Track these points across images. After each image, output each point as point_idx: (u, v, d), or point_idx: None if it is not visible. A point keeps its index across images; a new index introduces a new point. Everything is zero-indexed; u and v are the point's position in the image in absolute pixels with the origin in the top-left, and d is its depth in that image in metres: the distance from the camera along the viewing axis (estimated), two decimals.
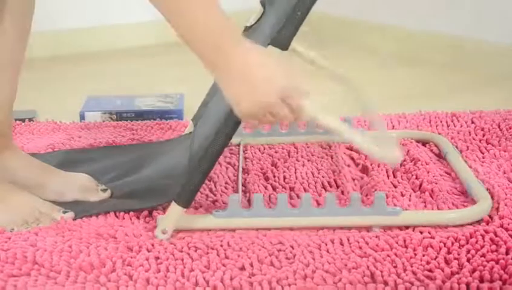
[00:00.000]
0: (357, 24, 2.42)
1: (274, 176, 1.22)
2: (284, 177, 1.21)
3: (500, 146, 1.34)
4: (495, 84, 1.89)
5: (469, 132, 1.40)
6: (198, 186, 1.00)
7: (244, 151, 1.34)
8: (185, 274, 0.91)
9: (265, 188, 1.18)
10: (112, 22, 2.45)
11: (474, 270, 0.91)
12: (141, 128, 1.52)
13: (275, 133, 1.38)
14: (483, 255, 0.94)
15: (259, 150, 1.34)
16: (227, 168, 1.26)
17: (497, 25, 2.01)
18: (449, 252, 0.96)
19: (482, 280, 0.89)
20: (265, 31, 1.01)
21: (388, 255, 0.95)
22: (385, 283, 0.89)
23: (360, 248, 0.97)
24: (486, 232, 1.00)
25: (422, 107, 1.57)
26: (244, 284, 0.89)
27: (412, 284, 0.89)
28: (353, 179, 1.21)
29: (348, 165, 1.27)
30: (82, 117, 1.61)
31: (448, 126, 1.45)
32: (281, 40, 0.94)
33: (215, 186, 1.18)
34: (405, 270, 0.92)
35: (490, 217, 1.04)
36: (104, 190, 1.14)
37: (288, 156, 1.31)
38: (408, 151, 1.30)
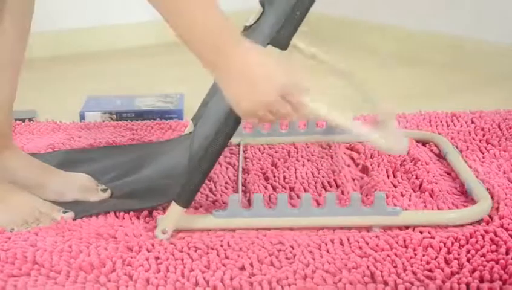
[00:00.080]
0: (357, 24, 2.42)
1: (274, 176, 1.22)
2: (284, 177, 1.21)
3: (500, 146, 1.34)
4: (495, 84, 1.89)
5: (469, 132, 1.40)
6: (198, 186, 1.00)
7: (244, 151, 1.34)
8: (185, 274, 0.91)
9: (265, 188, 1.18)
10: (112, 22, 2.45)
11: (474, 270, 0.91)
12: (141, 128, 1.52)
13: (275, 133, 1.38)
14: (483, 255, 0.94)
15: (259, 150, 1.34)
16: (227, 168, 1.26)
17: (497, 25, 2.01)
18: (449, 252, 0.96)
19: (482, 280, 0.89)
20: (265, 31, 1.01)
21: (388, 255, 0.95)
22: (385, 283, 0.89)
23: (360, 248, 0.97)
24: (486, 232, 1.00)
25: (422, 107, 1.57)
26: (244, 284, 0.89)
27: (412, 284, 0.89)
28: (353, 179, 1.21)
29: (348, 165, 1.27)
30: (82, 117, 1.61)
31: (448, 126, 1.45)
32: (280, 40, 0.94)
33: (215, 186, 1.18)
34: (405, 270, 0.92)
35: (490, 217, 1.04)
36: (104, 190, 1.14)
37: (288, 156, 1.31)
38: (408, 151, 1.30)
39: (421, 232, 1.01)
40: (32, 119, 1.60)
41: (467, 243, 0.97)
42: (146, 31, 2.45)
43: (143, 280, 0.90)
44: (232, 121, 0.97)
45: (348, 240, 0.99)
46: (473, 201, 1.09)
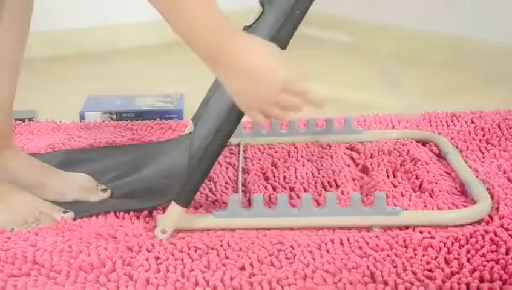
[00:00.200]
0: (357, 24, 2.42)
1: (274, 176, 1.22)
2: (284, 177, 1.21)
3: (500, 146, 1.34)
4: (495, 84, 1.89)
5: (469, 132, 1.40)
6: (198, 186, 1.00)
7: (244, 151, 1.34)
8: (185, 274, 0.91)
9: (265, 188, 1.18)
10: (112, 22, 2.45)
11: (474, 270, 0.91)
12: (141, 128, 1.52)
13: (275, 133, 1.38)
14: (483, 255, 0.94)
15: (259, 150, 1.34)
16: (227, 168, 1.26)
17: (497, 25, 2.01)
18: (449, 252, 0.96)
19: (482, 280, 0.89)
20: (265, 31, 1.02)
21: (388, 255, 0.95)
22: (385, 283, 0.89)
23: (360, 248, 0.97)
24: (486, 232, 0.99)
25: (422, 107, 1.57)
26: (244, 284, 0.89)
27: (412, 284, 0.89)
28: (353, 179, 1.21)
29: (348, 165, 1.27)
30: (82, 117, 1.61)
31: (448, 126, 1.45)
32: (280, 39, 0.94)
33: (215, 186, 1.18)
34: (405, 270, 0.92)
35: (490, 217, 1.04)
36: (104, 190, 1.14)
37: (288, 156, 1.31)
38: (408, 151, 1.30)
39: (421, 232, 1.00)
40: (32, 119, 1.60)
41: (467, 243, 0.97)
42: (146, 31, 2.45)
43: (143, 280, 0.90)
44: (232, 121, 0.97)
45: (348, 240, 0.99)
46: (473, 201, 1.09)
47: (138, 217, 1.08)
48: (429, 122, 1.48)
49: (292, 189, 1.18)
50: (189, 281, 0.90)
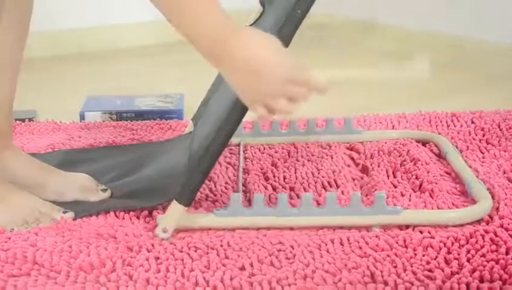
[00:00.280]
0: (357, 24, 2.42)
1: (274, 176, 1.22)
2: (284, 177, 1.21)
3: (500, 146, 1.34)
4: (495, 84, 1.89)
5: (469, 132, 1.40)
6: (199, 185, 1.00)
7: (244, 151, 1.34)
8: (185, 274, 0.91)
9: (266, 188, 1.18)
10: (112, 22, 2.45)
11: (474, 270, 0.91)
12: (141, 128, 1.52)
13: (275, 133, 1.38)
14: (483, 255, 0.94)
15: (259, 150, 1.34)
16: (227, 168, 1.26)
17: (497, 25, 2.01)
18: (449, 252, 0.96)
19: (482, 280, 0.89)
20: (265, 30, 1.01)
21: (388, 255, 0.95)
22: (385, 283, 0.89)
23: (360, 248, 0.97)
24: (486, 232, 0.99)
25: (422, 107, 1.57)
26: (244, 284, 0.89)
27: (412, 284, 0.89)
28: (353, 179, 1.21)
29: (348, 165, 1.27)
30: (82, 117, 1.61)
31: (448, 126, 1.45)
32: (282, 38, 0.94)
33: (215, 186, 1.18)
34: (405, 270, 0.92)
35: (490, 217, 1.04)
36: (104, 190, 1.14)
37: (288, 156, 1.31)
38: (408, 151, 1.30)
39: (421, 232, 1.00)
40: (32, 119, 1.60)
41: (467, 243, 0.97)
42: (146, 31, 2.45)
43: (143, 280, 0.90)
44: (234, 119, 0.97)
45: (348, 240, 0.99)
46: (473, 201, 1.09)
47: (138, 217, 1.08)
48: (429, 122, 1.48)
49: (292, 189, 1.18)
50: (189, 281, 0.90)
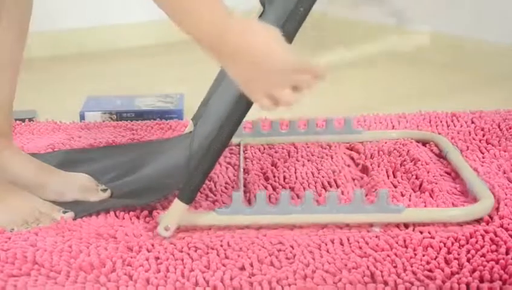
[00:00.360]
0: (357, 24, 2.42)
1: (274, 176, 1.22)
2: (284, 177, 1.21)
3: (500, 146, 1.34)
4: (495, 84, 1.89)
5: (469, 132, 1.40)
6: (199, 185, 1.00)
7: (244, 151, 1.34)
8: (185, 274, 0.91)
9: (266, 188, 1.18)
10: (112, 22, 2.45)
11: (474, 270, 0.91)
12: (141, 128, 1.52)
13: (275, 133, 1.38)
14: (483, 255, 0.94)
15: (259, 150, 1.34)
16: (227, 168, 1.26)
17: (497, 25, 2.01)
18: (449, 252, 0.96)
19: (482, 280, 0.89)
20: None
21: (388, 255, 0.95)
22: (385, 283, 0.89)
23: (360, 248, 0.97)
24: (486, 232, 0.99)
25: (422, 107, 1.57)
26: (244, 284, 0.89)
27: (412, 284, 0.89)
28: (353, 179, 1.21)
29: (348, 165, 1.27)
30: (82, 117, 1.61)
31: (448, 126, 1.45)
32: (284, 35, 0.94)
33: (215, 186, 1.18)
34: (405, 270, 0.92)
35: (490, 217, 1.04)
36: (104, 190, 1.14)
37: (288, 156, 1.31)
38: (408, 151, 1.30)
39: (421, 232, 1.00)
40: (32, 119, 1.60)
41: (467, 243, 0.97)
42: (146, 31, 2.45)
43: (143, 280, 0.90)
44: (235, 117, 0.97)
45: (348, 240, 0.99)
46: (473, 201, 1.09)
47: (138, 217, 1.08)
48: (429, 122, 1.48)
49: (292, 189, 1.17)
50: (189, 281, 0.90)
